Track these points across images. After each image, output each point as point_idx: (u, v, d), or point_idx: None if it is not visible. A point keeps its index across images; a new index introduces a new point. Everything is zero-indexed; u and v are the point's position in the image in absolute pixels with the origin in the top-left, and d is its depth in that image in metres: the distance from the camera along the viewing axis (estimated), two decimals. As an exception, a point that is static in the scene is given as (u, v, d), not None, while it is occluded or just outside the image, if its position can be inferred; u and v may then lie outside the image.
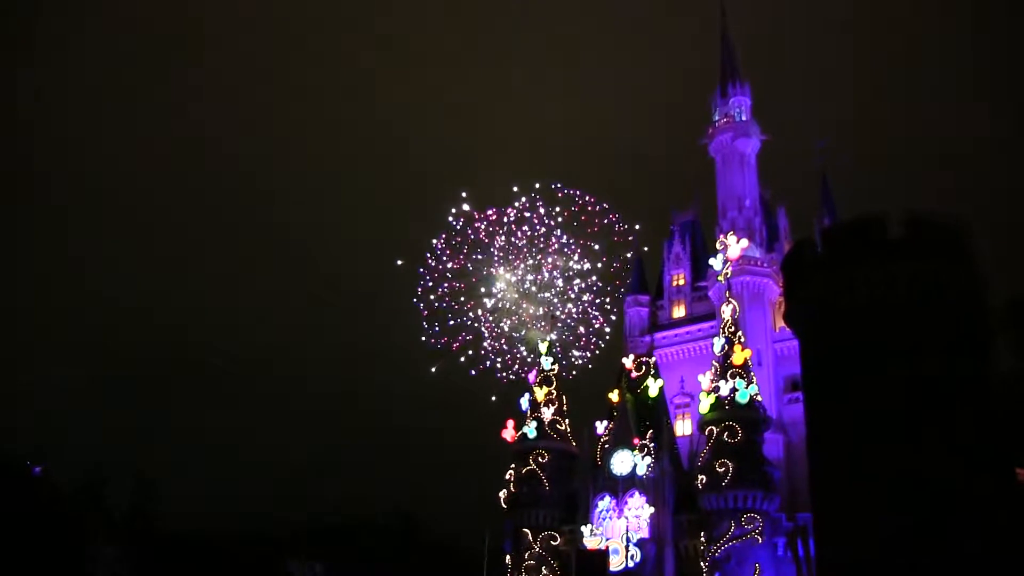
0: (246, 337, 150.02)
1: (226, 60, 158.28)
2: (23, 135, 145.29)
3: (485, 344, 60.47)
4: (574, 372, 60.93)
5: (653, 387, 58.11)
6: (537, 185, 61.41)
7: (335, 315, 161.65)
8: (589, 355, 61.12)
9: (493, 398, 59.64)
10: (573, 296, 61.45)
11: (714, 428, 51.12)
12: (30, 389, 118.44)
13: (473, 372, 60.39)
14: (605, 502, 54.69)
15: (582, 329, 61.30)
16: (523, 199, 61.30)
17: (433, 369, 60.33)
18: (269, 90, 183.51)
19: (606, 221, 61.31)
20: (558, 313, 61.33)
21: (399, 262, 62.46)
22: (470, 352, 60.25)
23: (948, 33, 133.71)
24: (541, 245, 61.50)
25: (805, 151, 72.01)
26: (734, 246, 57.90)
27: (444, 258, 60.69)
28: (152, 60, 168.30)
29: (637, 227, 64.62)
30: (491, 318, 60.73)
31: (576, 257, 61.36)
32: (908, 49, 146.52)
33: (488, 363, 60.57)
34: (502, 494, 57.77)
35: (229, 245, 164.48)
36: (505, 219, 61.08)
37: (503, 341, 60.83)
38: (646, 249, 70.24)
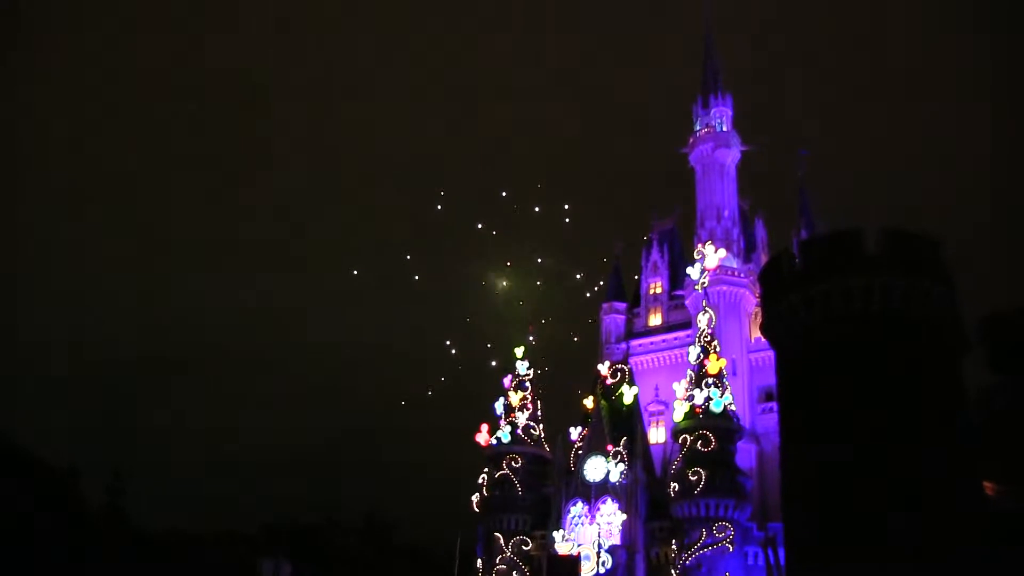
0: (234, 337, 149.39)
1: (226, 59, 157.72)
2: (24, 133, 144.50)
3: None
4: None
5: (628, 394, 58.25)
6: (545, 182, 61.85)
7: (320, 316, 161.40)
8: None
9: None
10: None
11: (687, 436, 51.37)
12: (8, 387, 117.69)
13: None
14: (577, 508, 54.77)
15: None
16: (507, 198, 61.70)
17: (403, 402, 60.73)
18: (268, 90, 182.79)
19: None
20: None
21: (355, 272, 62.43)
22: (443, 378, 60.32)
23: (948, 33, 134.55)
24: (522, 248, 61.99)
25: (786, 161, 72.59)
26: (712, 256, 58.23)
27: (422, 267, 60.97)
28: (151, 60, 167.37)
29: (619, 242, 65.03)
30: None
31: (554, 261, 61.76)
32: (894, 53, 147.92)
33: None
34: (475, 498, 57.77)
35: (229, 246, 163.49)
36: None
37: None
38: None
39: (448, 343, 60.48)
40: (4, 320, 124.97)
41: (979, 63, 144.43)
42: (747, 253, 66.69)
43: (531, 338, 60.84)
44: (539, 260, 61.55)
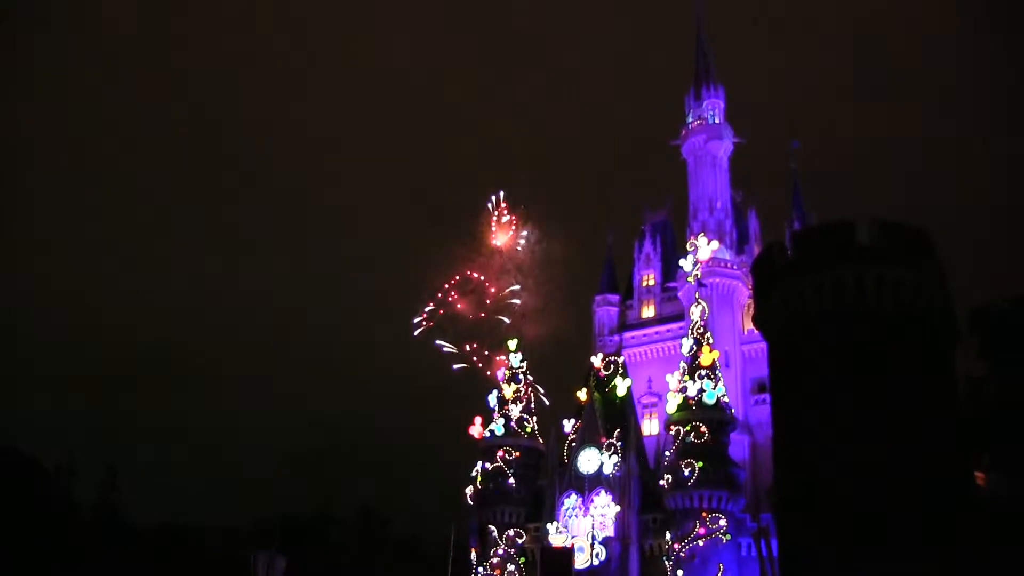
0: (225, 336, 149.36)
1: (225, 59, 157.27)
2: (24, 133, 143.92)
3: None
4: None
5: (621, 386, 58.22)
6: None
7: (313, 315, 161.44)
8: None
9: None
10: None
11: (681, 428, 51.37)
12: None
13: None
14: (571, 500, 54.79)
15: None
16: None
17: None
18: (270, 89, 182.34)
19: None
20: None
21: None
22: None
23: (949, 33, 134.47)
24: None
25: (779, 154, 72.55)
26: (704, 247, 58.14)
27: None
28: (151, 58, 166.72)
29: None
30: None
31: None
32: (894, 51, 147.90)
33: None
34: (468, 491, 57.75)
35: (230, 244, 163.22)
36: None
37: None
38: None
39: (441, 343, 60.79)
40: (4, 320, 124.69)
41: (979, 63, 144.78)
42: (740, 245, 66.81)
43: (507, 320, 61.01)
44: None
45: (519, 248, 62.13)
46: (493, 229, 62.51)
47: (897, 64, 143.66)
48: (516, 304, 61.13)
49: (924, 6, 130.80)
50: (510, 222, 62.90)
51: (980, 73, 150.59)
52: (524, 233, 62.50)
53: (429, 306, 61.86)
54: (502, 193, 63.73)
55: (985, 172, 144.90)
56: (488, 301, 61.58)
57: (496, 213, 63.04)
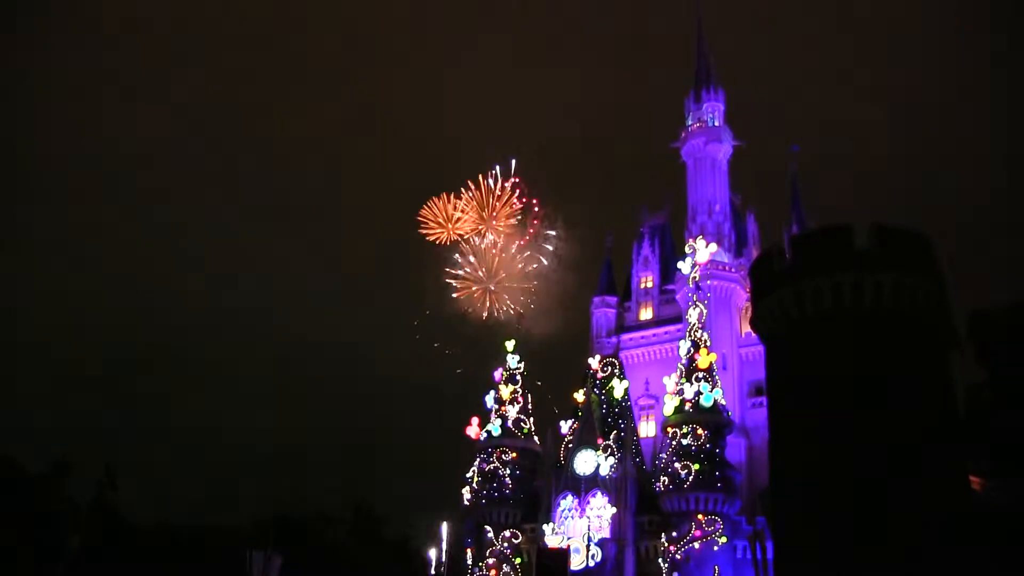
0: (225, 336, 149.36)
1: (225, 58, 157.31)
2: (24, 133, 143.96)
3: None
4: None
5: (618, 388, 58.32)
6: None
7: (313, 315, 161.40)
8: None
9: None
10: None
11: (677, 430, 51.45)
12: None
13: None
14: (567, 501, 54.87)
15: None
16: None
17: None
18: (267, 86, 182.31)
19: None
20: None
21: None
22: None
23: (949, 33, 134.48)
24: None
25: (779, 157, 72.76)
26: (703, 250, 58.18)
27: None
28: (151, 58, 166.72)
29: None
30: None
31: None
32: (879, 50, 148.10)
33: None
34: (465, 491, 57.80)
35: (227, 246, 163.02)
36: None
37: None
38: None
39: (439, 345, 60.70)
40: (4, 320, 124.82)
41: (979, 63, 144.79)
42: (738, 248, 66.84)
43: (518, 324, 60.57)
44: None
45: (547, 253, 61.17)
46: (496, 214, 61.44)
47: (897, 64, 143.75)
48: (530, 305, 60.91)
49: (924, 6, 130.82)
50: (529, 206, 61.63)
51: (980, 73, 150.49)
52: (551, 234, 61.59)
53: (428, 309, 61.71)
54: (513, 163, 61.43)
55: (985, 172, 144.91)
56: (495, 302, 61.32)
57: (498, 187, 61.80)
